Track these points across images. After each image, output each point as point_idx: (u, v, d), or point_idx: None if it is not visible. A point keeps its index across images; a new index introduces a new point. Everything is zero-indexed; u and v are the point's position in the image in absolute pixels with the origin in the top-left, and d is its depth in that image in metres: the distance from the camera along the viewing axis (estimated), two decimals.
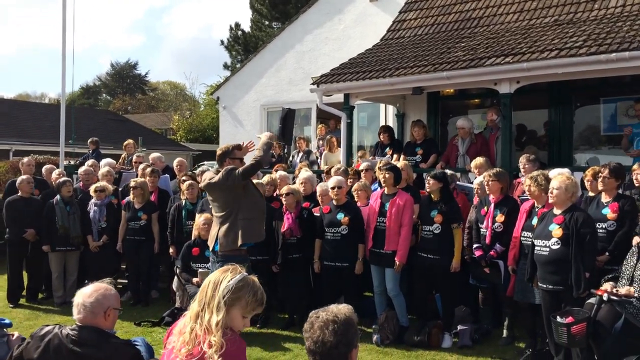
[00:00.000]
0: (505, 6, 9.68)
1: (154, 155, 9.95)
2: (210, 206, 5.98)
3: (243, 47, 29.85)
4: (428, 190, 6.42)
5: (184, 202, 7.79)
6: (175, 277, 7.27)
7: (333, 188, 6.68)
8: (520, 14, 9.33)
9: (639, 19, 7.75)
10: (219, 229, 5.66)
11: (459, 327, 6.03)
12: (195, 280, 6.73)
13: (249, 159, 5.72)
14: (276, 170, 8.38)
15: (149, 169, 8.62)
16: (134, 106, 47.94)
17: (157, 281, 8.44)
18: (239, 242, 5.53)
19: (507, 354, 5.79)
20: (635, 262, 4.56)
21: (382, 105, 11.89)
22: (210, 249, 5.84)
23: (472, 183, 7.48)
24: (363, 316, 6.93)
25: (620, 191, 5.86)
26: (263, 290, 2.58)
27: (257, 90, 14.41)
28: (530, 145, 8.62)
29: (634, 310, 4.34)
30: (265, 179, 7.72)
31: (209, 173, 5.90)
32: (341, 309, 2.33)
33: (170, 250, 7.77)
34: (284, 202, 6.93)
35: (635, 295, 4.39)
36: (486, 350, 5.87)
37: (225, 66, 31.65)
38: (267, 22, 28.79)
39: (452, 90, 9.95)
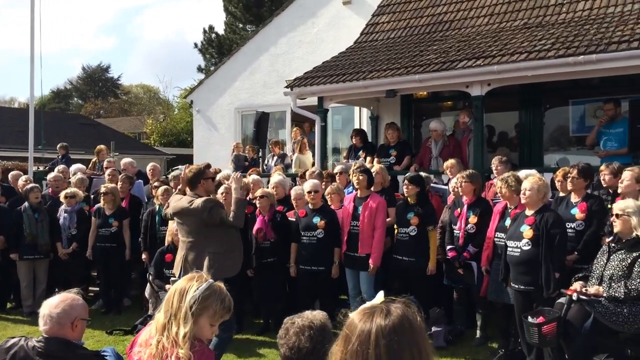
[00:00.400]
0: (475, 10, 9.80)
1: (126, 160, 9.81)
2: (177, 227, 5.54)
3: (217, 50, 29.69)
4: (405, 193, 6.46)
5: (157, 207, 7.69)
6: (148, 284, 7.17)
7: (309, 192, 6.67)
8: (491, 18, 9.45)
9: (605, 22, 7.92)
10: (185, 255, 5.27)
11: (433, 329, 6.07)
12: (168, 287, 6.63)
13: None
14: (249, 175, 8.33)
15: (121, 175, 8.48)
16: (106, 110, 47.29)
17: (129, 289, 8.31)
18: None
19: (480, 354, 5.84)
20: (605, 261, 4.64)
21: (357, 108, 11.92)
22: (177, 275, 5.36)
23: (446, 184, 7.56)
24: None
25: (589, 191, 5.98)
26: (230, 296, 2.54)
27: (232, 94, 14.33)
28: (502, 147, 8.73)
29: (603, 310, 4.42)
30: None
31: (177, 197, 5.51)
32: (316, 315, 2.33)
33: (143, 256, 7.67)
34: (258, 205, 6.89)
35: (604, 294, 4.46)
36: (460, 351, 5.92)
37: (200, 69, 31.46)
38: (241, 25, 28.67)
39: (425, 92, 10.02)
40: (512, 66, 7.32)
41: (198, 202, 5.16)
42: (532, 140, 9.49)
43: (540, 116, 9.55)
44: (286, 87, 9.37)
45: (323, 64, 9.88)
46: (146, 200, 8.53)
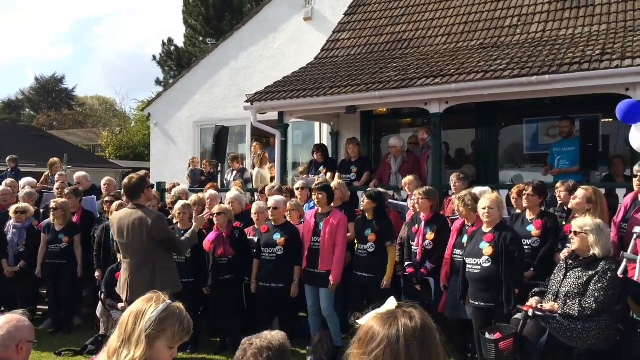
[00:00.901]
0: (434, 29, 10.00)
1: (80, 174, 9.52)
2: (120, 248, 5.34)
3: (176, 62, 29.35)
4: (363, 209, 6.46)
5: (115, 238, 7.44)
6: (100, 303, 6.92)
7: (270, 209, 6.63)
8: (449, 37, 9.66)
9: (558, 44, 8.19)
10: (130, 276, 5.10)
11: None
12: (120, 305, 6.41)
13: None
14: (206, 190, 8.20)
15: (67, 189, 8.20)
16: (60, 122, 45.96)
17: (80, 307, 8.01)
18: None
19: None
20: (561, 278, 4.72)
21: (317, 124, 11.95)
22: (124, 299, 5.20)
23: (405, 200, 7.61)
24: (298, 337, 6.87)
25: (543, 208, 6.11)
26: (189, 317, 2.45)
27: (191, 107, 14.15)
28: (468, 165, 8.86)
29: (558, 325, 4.49)
30: (193, 198, 7.53)
31: (118, 214, 5.33)
32: (275, 336, 2.27)
33: (96, 274, 7.41)
34: (216, 222, 6.77)
35: (559, 311, 4.54)
36: None
37: (158, 82, 31.00)
38: (201, 38, 28.47)
39: (384, 109, 10.13)
40: (469, 85, 7.47)
41: (147, 219, 5.03)
42: (488, 157, 9.69)
43: (495, 134, 9.78)
44: (246, 101, 9.31)
45: (284, 79, 9.87)
46: (98, 215, 8.26)
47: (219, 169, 10.95)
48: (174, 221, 6.99)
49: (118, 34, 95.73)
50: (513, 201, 6.28)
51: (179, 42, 30.06)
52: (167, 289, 5.04)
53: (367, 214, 6.41)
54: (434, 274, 6.04)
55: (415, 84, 7.84)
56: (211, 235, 6.68)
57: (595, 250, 4.54)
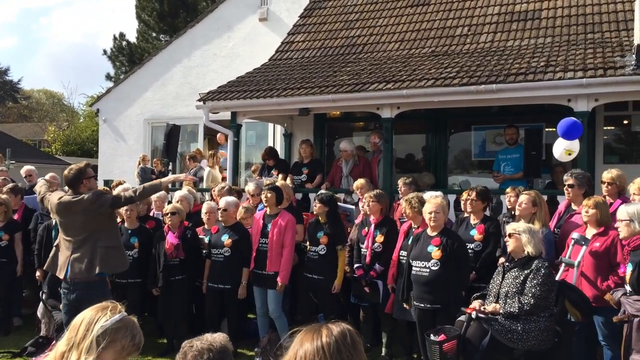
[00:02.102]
0: (387, 35, 10.16)
1: (29, 168, 9.14)
2: (60, 227, 5.24)
3: (128, 58, 28.68)
4: (315, 212, 6.50)
5: (54, 221, 7.21)
6: (41, 304, 6.69)
7: (220, 209, 6.60)
8: (401, 44, 9.83)
9: (505, 54, 8.46)
10: (72, 254, 5.01)
11: None
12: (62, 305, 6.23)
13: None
14: None
15: (7, 187, 7.89)
16: (3, 115, 44.15)
17: (19, 307, 7.71)
18: (96, 271, 4.95)
19: None
20: (500, 280, 4.89)
21: (271, 125, 11.93)
22: (62, 277, 5.11)
23: (355, 203, 7.69)
24: (246, 338, 6.84)
25: (488, 213, 6.30)
26: (142, 333, 2.37)
27: (141, 104, 13.87)
28: (428, 174, 9.01)
29: (499, 327, 4.64)
30: None
31: (56, 194, 5.23)
32: (216, 338, 2.26)
33: (37, 273, 7.15)
34: (168, 222, 6.67)
35: (501, 311, 4.69)
36: None
37: (108, 77, 30.20)
38: (154, 34, 27.90)
39: (338, 112, 10.21)
40: (420, 91, 7.62)
41: (85, 195, 5.00)
42: (438, 162, 9.91)
43: (445, 140, 10.01)
44: (199, 100, 9.20)
45: (237, 79, 9.81)
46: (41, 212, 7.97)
47: (170, 167, 10.77)
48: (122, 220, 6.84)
49: (67, 26, 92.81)
50: (462, 205, 6.44)
51: (131, 37, 29.41)
52: (108, 269, 4.98)
53: (319, 217, 6.45)
54: (382, 276, 6.13)
55: (368, 88, 7.94)
56: (173, 239, 6.54)
57: (529, 249, 4.74)
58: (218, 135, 11.85)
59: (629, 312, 4.30)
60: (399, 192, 7.05)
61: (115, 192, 7.42)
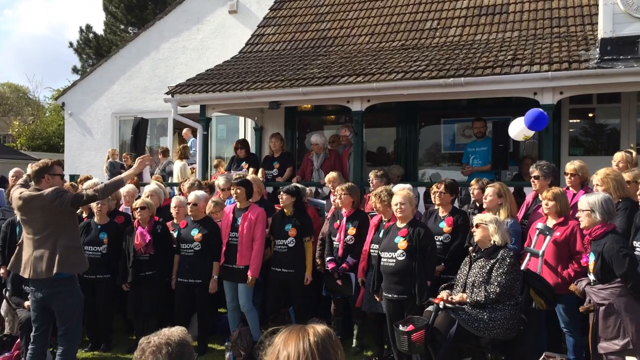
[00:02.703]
0: (357, 28, 10.17)
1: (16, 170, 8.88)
2: (22, 224, 5.16)
3: (95, 50, 28.08)
4: (282, 204, 6.48)
5: (18, 217, 7.03)
6: (5, 301, 6.53)
7: (189, 204, 6.51)
8: (372, 37, 9.85)
9: (473, 48, 8.55)
10: (33, 252, 4.92)
11: None
12: (27, 304, 6.08)
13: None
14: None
15: None
16: None
17: None
18: (54, 271, 4.83)
19: None
20: (467, 270, 4.96)
21: (241, 118, 11.84)
22: (26, 277, 5.02)
23: (327, 197, 7.69)
24: (217, 333, 6.80)
25: (456, 205, 6.37)
26: None
27: (109, 97, 13.61)
28: (397, 165, 9.05)
29: (466, 316, 4.70)
30: None
31: (18, 190, 5.13)
32: (174, 332, 2.24)
33: (1, 271, 6.96)
34: (138, 217, 6.57)
35: (468, 301, 4.76)
36: None
37: (75, 70, 29.50)
38: (122, 27, 27.38)
39: (309, 105, 10.20)
40: (389, 84, 7.65)
41: (47, 191, 4.89)
42: (408, 155, 9.98)
43: (415, 133, 10.08)
44: (167, 93, 9.07)
45: (207, 72, 9.71)
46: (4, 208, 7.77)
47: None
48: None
49: (33, 18, 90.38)
50: (433, 197, 6.50)
51: (99, 29, 28.80)
52: (67, 269, 4.85)
53: (286, 210, 6.44)
54: (355, 269, 6.15)
55: (338, 81, 7.94)
56: (144, 234, 6.44)
57: (495, 238, 4.82)
58: (184, 130, 11.75)
59: (594, 301, 4.40)
60: (370, 184, 7.08)
61: (85, 185, 7.32)
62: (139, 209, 6.56)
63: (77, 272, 5.12)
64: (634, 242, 4.62)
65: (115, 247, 6.62)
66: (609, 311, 4.29)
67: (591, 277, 4.49)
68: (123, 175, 5.33)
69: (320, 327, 1.84)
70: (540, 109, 6.52)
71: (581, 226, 4.62)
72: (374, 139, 10.46)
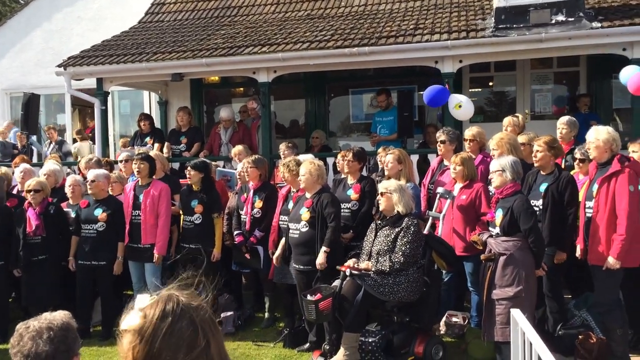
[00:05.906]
0: None
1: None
2: None
3: None
4: (189, 180, 6.28)
5: None
6: None
7: (88, 182, 6.18)
8: (277, 7, 9.68)
9: (377, 18, 8.60)
10: None
11: (222, 315, 6.02)
12: None
13: None
14: (16, 165, 7.39)
15: None
16: None
17: None
18: None
19: (268, 335, 5.96)
20: (373, 238, 5.02)
21: (146, 92, 11.34)
22: None
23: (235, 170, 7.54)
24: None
25: (365, 173, 6.44)
26: None
27: None
28: (318, 130, 8.98)
29: (372, 282, 4.78)
30: None
31: None
32: (56, 316, 2.10)
33: None
34: (31, 199, 6.12)
35: (373, 268, 4.83)
36: (248, 335, 5.97)
37: None
38: None
39: (216, 78, 9.91)
40: (295, 54, 7.55)
41: None
42: (318, 126, 9.96)
43: (325, 104, 10.08)
44: (58, 66, 8.47)
45: (103, 42, 9.17)
46: None
47: (29, 140, 9.89)
48: None
49: None
50: (339, 166, 6.53)
51: None
52: None
53: (193, 186, 6.25)
54: (263, 242, 6.09)
55: (243, 52, 7.75)
56: (34, 217, 6.00)
57: (399, 208, 4.90)
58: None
59: (495, 250, 4.61)
60: (282, 156, 6.99)
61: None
62: (32, 192, 6.12)
63: None
64: (532, 201, 4.89)
65: (7, 232, 6.18)
66: (508, 261, 4.55)
67: (495, 230, 4.69)
68: None
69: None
70: (440, 85, 6.71)
71: (493, 186, 4.82)
72: (284, 112, 10.36)
